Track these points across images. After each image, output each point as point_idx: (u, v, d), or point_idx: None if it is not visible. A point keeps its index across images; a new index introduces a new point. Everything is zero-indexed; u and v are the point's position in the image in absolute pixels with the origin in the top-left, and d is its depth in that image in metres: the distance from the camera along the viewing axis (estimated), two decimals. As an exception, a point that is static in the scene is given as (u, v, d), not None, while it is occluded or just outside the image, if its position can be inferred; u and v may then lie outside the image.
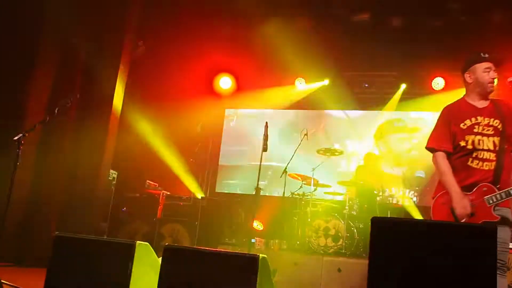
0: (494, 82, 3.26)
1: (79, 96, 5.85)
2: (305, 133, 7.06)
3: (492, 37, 6.45)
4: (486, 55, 3.27)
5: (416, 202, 8.28)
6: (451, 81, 8.06)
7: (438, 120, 3.40)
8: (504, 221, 3.06)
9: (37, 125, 4.61)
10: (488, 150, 3.17)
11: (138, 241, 3.02)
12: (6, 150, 4.76)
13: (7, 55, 6.20)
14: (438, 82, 8.18)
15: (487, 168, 3.15)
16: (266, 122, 5.28)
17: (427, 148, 3.38)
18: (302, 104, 9.36)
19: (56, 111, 4.61)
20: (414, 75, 8.52)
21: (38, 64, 6.38)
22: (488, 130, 3.21)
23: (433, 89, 8.24)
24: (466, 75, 3.33)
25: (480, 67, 3.25)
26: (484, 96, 3.29)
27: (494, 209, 3.04)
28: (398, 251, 2.28)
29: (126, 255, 2.96)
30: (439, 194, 3.27)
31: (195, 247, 6.07)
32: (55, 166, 6.45)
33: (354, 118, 9.26)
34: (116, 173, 7.57)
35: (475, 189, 3.13)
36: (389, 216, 6.90)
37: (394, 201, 7.95)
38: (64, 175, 6.53)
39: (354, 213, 6.72)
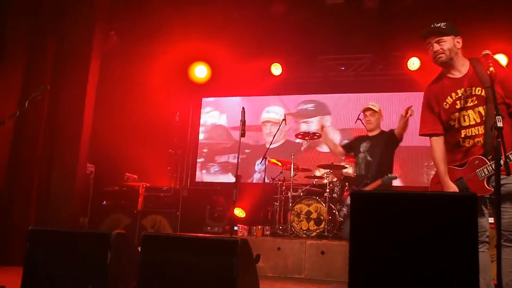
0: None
1: (49, 88, 5.70)
2: (284, 118, 7.03)
3: (466, 14, 6.45)
4: None
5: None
6: (426, 61, 8.07)
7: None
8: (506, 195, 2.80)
9: (8, 120, 4.49)
10: (476, 125, 2.96)
11: (115, 231, 2.95)
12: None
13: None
14: (414, 62, 8.18)
15: (480, 144, 2.94)
16: (243, 108, 5.23)
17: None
18: (279, 90, 9.32)
19: (26, 104, 4.49)
20: (389, 56, 8.52)
21: (6, 57, 6.17)
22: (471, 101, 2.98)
23: (409, 69, 8.23)
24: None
25: None
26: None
27: (489, 182, 2.84)
28: (379, 225, 2.25)
29: (104, 245, 2.89)
30: (435, 174, 3.18)
31: (174, 233, 6.01)
32: (30, 162, 6.28)
33: (332, 101, 9.24)
34: (94, 166, 7.45)
35: (467, 163, 2.97)
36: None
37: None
38: (40, 171, 6.37)
39: (335, 195, 6.73)
